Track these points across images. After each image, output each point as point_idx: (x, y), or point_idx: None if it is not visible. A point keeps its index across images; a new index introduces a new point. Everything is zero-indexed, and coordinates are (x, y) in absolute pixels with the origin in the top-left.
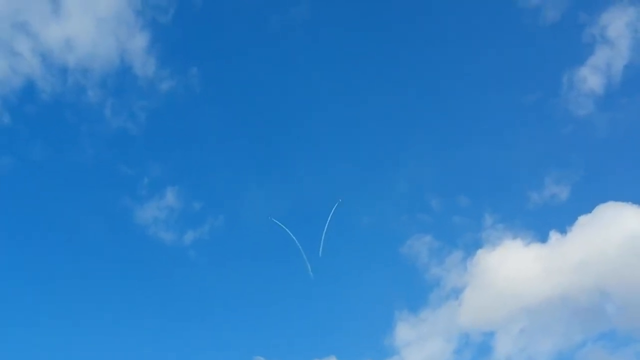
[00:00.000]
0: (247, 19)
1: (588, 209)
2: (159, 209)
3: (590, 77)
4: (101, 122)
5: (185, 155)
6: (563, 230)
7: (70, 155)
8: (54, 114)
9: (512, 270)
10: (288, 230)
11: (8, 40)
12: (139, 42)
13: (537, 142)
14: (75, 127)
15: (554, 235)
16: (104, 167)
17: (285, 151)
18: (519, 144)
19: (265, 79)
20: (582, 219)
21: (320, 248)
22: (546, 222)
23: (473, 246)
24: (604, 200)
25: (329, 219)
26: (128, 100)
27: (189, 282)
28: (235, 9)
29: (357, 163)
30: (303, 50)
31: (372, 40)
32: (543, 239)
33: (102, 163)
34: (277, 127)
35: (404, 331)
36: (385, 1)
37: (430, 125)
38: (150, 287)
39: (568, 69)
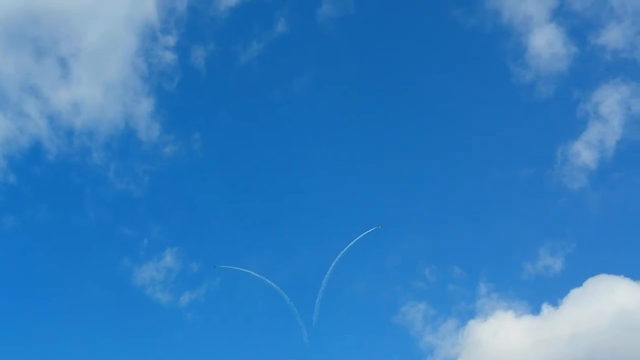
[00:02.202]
0: (250, 89)
1: (580, 282)
2: (157, 270)
3: (584, 152)
4: (105, 184)
5: (185, 217)
6: (555, 303)
7: (73, 216)
8: (59, 175)
9: (504, 342)
10: (284, 293)
11: (17, 102)
12: (145, 107)
13: (532, 214)
14: (79, 189)
15: (545, 308)
16: (106, 228)
17: (282, 217)
18: (515, 216)
19: (265, 146)
20: (574, 292)
21: (315, 314)
22: (539, 294)
23: (467, 314)
24: (596, 272)
25: (325, 280)
26: (132, 163)
27: (184, 343)
28: (238, 78)
29: (352, 232)
30: (302, 120)
31: (370, 113)
32: (535, 310)
33: (104, 224)
34: (275, 194)
35: None
36: (383, 76)
37: (425, 197)
38: (147, 347)
39: (562, 144)
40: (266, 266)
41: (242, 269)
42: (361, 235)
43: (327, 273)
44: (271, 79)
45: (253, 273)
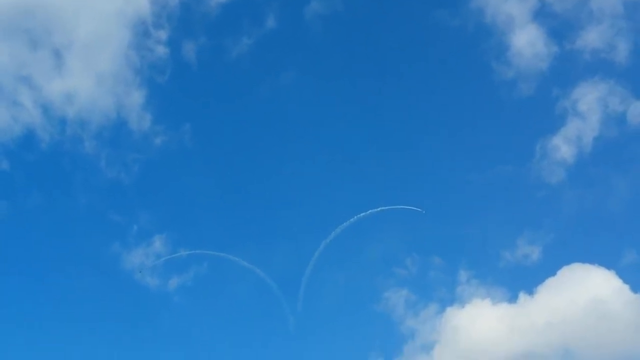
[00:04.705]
0: (239, 82)
1: (555, 271)
2: (146, 255)
3: (562, 147)
4: (96, 171)
5: (174, 205)
6: (531, 291)
7: (65, 202)
8: (51, 163)
9: (480, 329)
10: (270, 280)
11: (11, 92)
12: (136, 98)
13: (511, 206)
14: (70, 176)
15: (522, 296)
16: (96, 214)
17: (268, 206)
18: (495, 207)
19: (253, 137)
20: (550, 281)
21: (299, 301)
22: (516, 282)
23: (448, 300)
24: (572, 261)
25: (309, 267)
26: (123, 152)
27: (172, 327)
28: (228, 72)
29: (336, 221)
30: (290, 113)
31: (354, 108)
32: (512, 298)
33: (95, 211)
34: (262, 184)
35: None
36: (368, 72)
37: (407, 189)
38: (135, 329)
39: (541, 139)
40: (252, 253)
41: (228, 256)
42: (391, 207)
43: (313, 258)
44: (260, 73)
45: (238, 260)
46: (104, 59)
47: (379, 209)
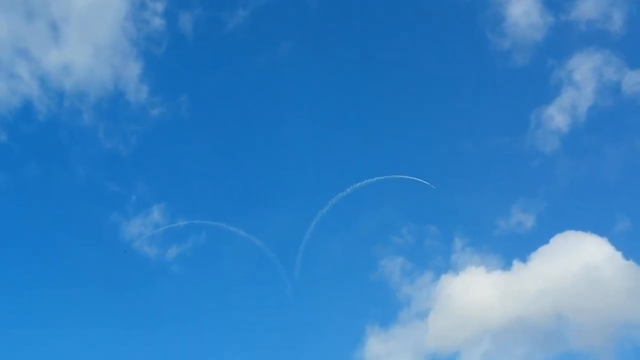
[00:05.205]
0: (236, 53)
1: (548, 238)
2: (145, 225)
3: (557, 117)
4: (94, 143)
5: (172, 175)
6: (524, 259)
7: (63, 173)
8: (49, 134)
9: (474, 297)
10: (267, 248)
11: (9, 64)
12: (133, 70)
13: (506, 174)
14: (68, 147)
15: (516, 264)
16: (95, 185)
17: (265, 176)
18: (491, 175)
19: (250, 108)
20: (543, 248)
21: (296, 269)
22: (510, 250)
23: (443, 268)
24: (565, 229)
25: (307, 235)
26: (120, 123)
27: (171, 295)
28: (224, 44)
29: (332, 191)
30: (285, 83)
31: (350, 77)
32: (506, 266)
33: (93, 181)
34: (258, 154)
35: (374, 346)
36: (363, 42)
37: (402, 158)
38: (134, 297)
39: (536, 109)
40: (250, 223)
41: (226, 225)
42: (403, 177)
43: (310, 227)
44: (256, 44)
45: (236, 229)
46: (100, 30)
47: (394, 177)
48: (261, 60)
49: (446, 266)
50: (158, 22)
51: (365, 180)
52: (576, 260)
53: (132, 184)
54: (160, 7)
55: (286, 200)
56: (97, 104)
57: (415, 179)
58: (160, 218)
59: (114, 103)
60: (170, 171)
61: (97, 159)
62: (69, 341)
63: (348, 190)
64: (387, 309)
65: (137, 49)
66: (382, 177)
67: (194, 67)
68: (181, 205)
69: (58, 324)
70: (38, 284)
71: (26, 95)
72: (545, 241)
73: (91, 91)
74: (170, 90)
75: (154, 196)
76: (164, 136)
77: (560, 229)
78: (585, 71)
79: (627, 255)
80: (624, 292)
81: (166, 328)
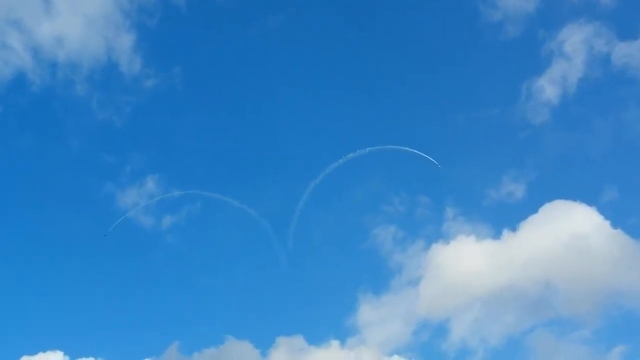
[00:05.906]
0: (228, 24)
1: (537, 208)
2: (140, 195)
3: (548, 88)
4: (88, 114)
5: (166, 146)
6: (514, 228)
7: (57, 144)
8: (42, 106)
9: (465, 264)
10: (261, 217)
11: (1, 35)
12: (126, 41)
13: (497, 145)
14: (62, 118)
15: (506, 233)
16: (89, 156)
17: (260, 147)
18: (481, 146)
19: (243, 79)
20: (532, 217)
21: (290, 239)
22: (500, 219)
23: (435, 236)
24: (554, 198)
25: (300, 205)
26: (114, 95)
27: (165, 264)
28: (218, 15)
29: (324, 162)
30: (278, 54)
31: (340, 49)
32: (496, 235)
33: (87, 152)
34: (251, 125)
35: (367, 313)
36: (354, 14)
37: (394, 129)
38: (129, 266)
39: (527, 80)
40: (244, 193)
41: (220, 196)
42: (410, 150)
43: (303, 197)
44: (248, 16)
45: (230, 200)
46: (93, 2)
47: (403, 148)
48: (254, 31)
49: (437, 235)
50: None
51: (369, 148)
52: (565, 229)
53: (126, 155)
54: None
55: (279, 171)
56: (90, 75)
57: (423, 155)
58: (155, 188)
59: (107, 74)
60: (164, 142)
61: (91, 130)
62: (66, 306)
63: (341, 160)
64: (379, 277)
65: (130, 21)
66: (392, 147)
67: (187, 38)
68: (175, 176)
69: (54, 291)
70: (34, 256)
71: (19, 66)
72: (535, 210)
73: (84, 62)
74: (163, 61)
75: (148, 167)
76: (157, 107)
77: (550, 198)
78: (575, 42)
79: (615, 224)
80: (611, 260)
81: (161, 296)
